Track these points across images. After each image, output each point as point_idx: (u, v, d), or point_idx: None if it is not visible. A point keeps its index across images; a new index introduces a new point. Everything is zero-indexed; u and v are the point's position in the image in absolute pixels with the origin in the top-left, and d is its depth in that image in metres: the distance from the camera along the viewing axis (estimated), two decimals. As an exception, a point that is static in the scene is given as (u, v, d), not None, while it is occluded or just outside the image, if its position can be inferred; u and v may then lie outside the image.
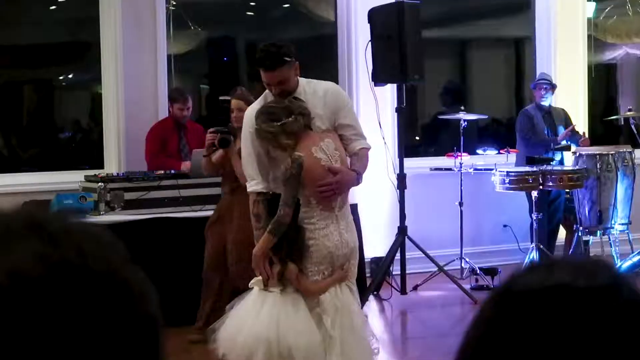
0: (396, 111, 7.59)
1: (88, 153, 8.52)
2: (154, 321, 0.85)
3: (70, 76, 9.29)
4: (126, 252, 0.87)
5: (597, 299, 0.89)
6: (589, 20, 9.41)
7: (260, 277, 4.29)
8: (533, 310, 0.89)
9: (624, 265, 7.85)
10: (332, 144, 4.30)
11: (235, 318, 4.25)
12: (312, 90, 4.41)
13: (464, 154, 7.88)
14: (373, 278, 7.48)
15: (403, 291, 7.49)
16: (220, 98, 6.00)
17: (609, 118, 9.33)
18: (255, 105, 4.47)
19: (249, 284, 4.36)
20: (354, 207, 7.19)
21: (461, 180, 7.92)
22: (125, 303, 0.82)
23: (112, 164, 7.67)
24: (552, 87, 8.41)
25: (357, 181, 4.40)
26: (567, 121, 8.50)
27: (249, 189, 4.51)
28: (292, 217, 4.20)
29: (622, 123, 9.03)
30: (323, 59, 9.08)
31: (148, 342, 0.84)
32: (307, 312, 4.21)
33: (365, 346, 4.34)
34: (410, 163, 7.76)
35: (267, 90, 4.45)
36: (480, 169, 7.97)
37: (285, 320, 4.16)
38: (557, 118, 8.42)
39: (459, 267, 7.92)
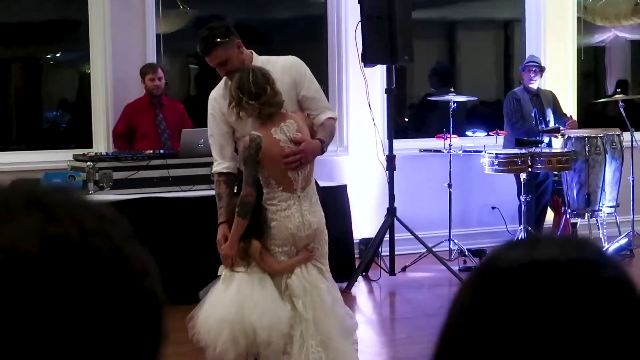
0: (386, 92, 7.58)
1: (76, 132, 8.48)
2: (155, 298, 0.84)
3: (57, 55, 9.23)
4: (128, 228, 0.86)
5: (586, 272, 0.89)
6: (578, 2, 9.40)
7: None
8: (518, 285, 0.88)
9: (612, 247, 7.89)
10: (293, 124, 4.26)
11: (206, 303, 4.26)
12: (271, 68, 4.37)
13: (453, 135, 7.88)
14: (362, 259, 7.49)
15: (392, 272, 7.50)
16: None
17: (598, 101, 9.34)
18: (217, 88, 4.48)
19: (218, 272, 4.34)
20: (342, 188, 7.25)
21: (450, 161, 7.92)
22: (126, 280, 0.81)
23: (101, 143, 7.64)
24: (541, 70, 8.41)
25: (322, 150, 4.33)
26: (555, 104, 8.50)
27: (213, 170, 4.54)
28: (255, 196, 4.21)
29: (611, 106, 9.05)
30: (312, 39, 9.04)
31: (149, 320, 0.83)
32: (274, 290, 4.20)
33: (340, 322, 4.32)
34: (399, 144, 7.76)
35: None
36: (469, 151, 7.97)
37: (250, 299, 4.15)
38: (545, 101, 8.42)
39: (448, 248, 7.93)
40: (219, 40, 4.34)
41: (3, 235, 0.77)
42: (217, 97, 4.43)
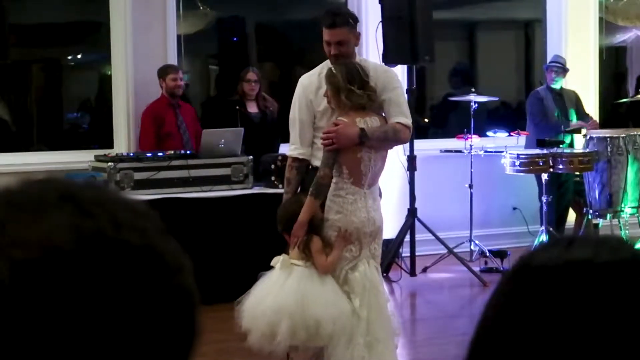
0: (406, 92, 7.55)
1: (97, 133, 8.52)
2: (190, 294, 0.83)
3: (79, 56, 9.27)
4: (161, 223, 0.85)
5: (620, 273, 0.87)
6: (600, 2, 9.35)
7: (280, 256, 4.28)
8: (554, 284, 0.87)
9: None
10: (377, 121, 4.33)
11: (259, 290, 4.23)
12: (365, 68, 4.45)
13: (474, 136, 7.85)
14: (382, 260, 7.45)
15: (412, 273, 7.49)
16: None
17: (620, 101, 9.29)
18: (310, 74, 4.54)
19: (271, 263, 4.31)
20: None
21: (471, 162, 7.90)
22: (160, 275, 0.80)
23: (122, 144, 7.65)
24: (564, 70, 8.36)
25: (359, 138, 4.25)
26: (577, 103, 8.46)
27: (288, 153, 4.59)
28: (331, 179, 4.22)
29: (633, 106, 9.00)
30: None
31: (183, 315, 0.82)
32: (335, 284, 4.20)
33: (390, 326, 4.35)
34: (420, 145, 7.74)
35: (325, 62, 4.51)
36: (491, 151, 7.94)
37: (312, 292, 4.14)
38: (568, 100, 8.39)
39: (469, 249, 7.91)
40: (350, 21, 4.46)
41: (37, 230, 0.77)
42: (309, 84, 4.47)
